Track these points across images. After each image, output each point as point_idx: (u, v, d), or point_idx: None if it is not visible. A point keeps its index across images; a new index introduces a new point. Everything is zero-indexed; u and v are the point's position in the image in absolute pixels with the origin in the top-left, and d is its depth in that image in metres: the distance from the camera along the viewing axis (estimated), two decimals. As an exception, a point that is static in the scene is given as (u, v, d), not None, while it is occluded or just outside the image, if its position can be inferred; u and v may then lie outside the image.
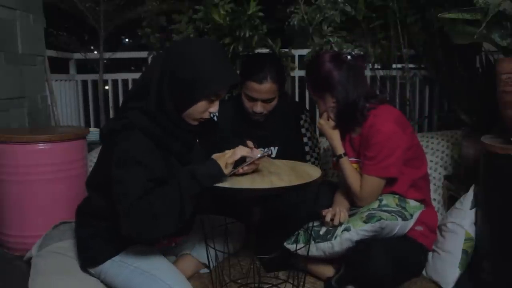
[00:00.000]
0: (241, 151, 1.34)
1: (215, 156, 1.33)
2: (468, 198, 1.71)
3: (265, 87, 1.86)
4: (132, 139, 1.31)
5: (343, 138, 1.75)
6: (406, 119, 1.74)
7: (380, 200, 1.63)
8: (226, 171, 1.30)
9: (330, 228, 1.58)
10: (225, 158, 1.31)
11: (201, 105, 1.36)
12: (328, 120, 1.72)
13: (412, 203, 1.65)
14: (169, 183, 1.29)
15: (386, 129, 1.59)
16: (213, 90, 1.35)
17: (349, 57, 1.68)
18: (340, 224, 1.56)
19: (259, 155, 1.37)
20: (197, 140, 1.53)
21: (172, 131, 1.37)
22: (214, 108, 1.40)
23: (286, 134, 2.04)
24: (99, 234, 1.46)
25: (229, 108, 2.08)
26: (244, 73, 1.91)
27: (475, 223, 1.67)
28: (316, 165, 2.06)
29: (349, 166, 1.70)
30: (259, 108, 1.91)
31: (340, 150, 1.72)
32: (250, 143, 1.47)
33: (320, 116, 1.77)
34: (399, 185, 1.65)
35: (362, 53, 2.84)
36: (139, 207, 1.24)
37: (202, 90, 1.34)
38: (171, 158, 1.40)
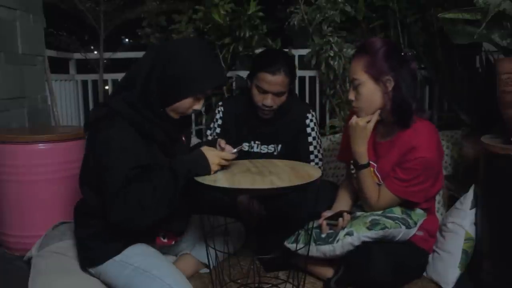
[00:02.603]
0: (226, 154, 1.45)
1: (204, 148, 1.41)
2: (468, 198, 1.70)
3: (278, 79, 1.87)
4: (116, 126, 1.34)
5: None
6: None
7: None
8: (213, 168, 1.39)
9: (332, 231, 1.57)
10: (218, 154, 1.41)
11: (187, 101, 1.41)
12: (368, 122, 1.55)
13: (417, 210, 1.63)
14: (155, 170, 1.34)
15: (429, 158, 1.49)
16: (201, 89, 1.40)
17: (409, 54, 1.55)
18: (343, 228, 1.55)
19: (234, 150, 1.48)
20: (183, 137, 1.57)
21: (151, 119, 1.39)
22: (199, 105, 1.44)
23: (291, 132, 2.05)
24: (99, 234, 1.46)
25: (238, 103, 2.08)
26: (257, 65, 1.92)
27: (475, 223, 1.67)
28: (320, 166, 2.07)
29: (370, 178, 1.60)
30: (269, 101, 1.90)
31: (365, 158, 1.58)
32: (222, 141, 1.53)
33: (351, 115, 1.62)
34: (415, 203, 1.61)
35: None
36: (124, 193, 1.27)
37: (191, 88, 1.38)
38: (154, 147, 1.43)
